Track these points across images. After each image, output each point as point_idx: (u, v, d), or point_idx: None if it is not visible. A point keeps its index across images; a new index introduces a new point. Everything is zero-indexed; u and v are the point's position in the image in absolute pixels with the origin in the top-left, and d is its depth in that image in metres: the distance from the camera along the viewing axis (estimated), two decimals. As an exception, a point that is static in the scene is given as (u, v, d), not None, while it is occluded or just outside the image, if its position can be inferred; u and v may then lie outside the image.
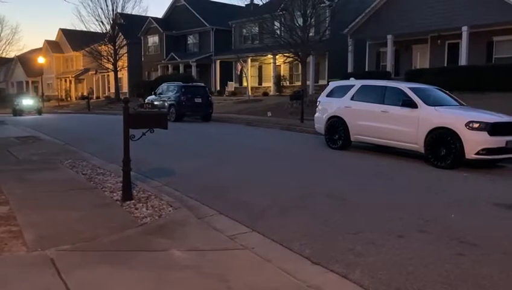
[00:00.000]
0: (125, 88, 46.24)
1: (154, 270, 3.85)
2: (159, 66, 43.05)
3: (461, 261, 4.27)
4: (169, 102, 21.04)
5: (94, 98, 48.83)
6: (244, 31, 37.32)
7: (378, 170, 9.10)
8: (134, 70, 44.98)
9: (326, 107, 12.31)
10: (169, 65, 42.12)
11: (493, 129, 8.96)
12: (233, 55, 34.80)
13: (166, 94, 21.91)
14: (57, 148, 11.14)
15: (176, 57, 40.42)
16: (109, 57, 40.55)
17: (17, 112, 32.60)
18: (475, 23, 20.14)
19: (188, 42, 42.61)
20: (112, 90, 46.03)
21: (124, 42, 41.56)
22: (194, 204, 5.96)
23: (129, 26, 42.40)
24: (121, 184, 6.12)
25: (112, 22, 40.23)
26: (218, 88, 37.49)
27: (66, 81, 58.08)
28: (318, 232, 5.02)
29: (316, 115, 12.79)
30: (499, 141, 8.99)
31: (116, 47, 40.22)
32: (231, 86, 37.21)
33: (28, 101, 34.37)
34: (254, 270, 3.94)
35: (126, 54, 42.49)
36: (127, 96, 37.63)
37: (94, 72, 50.75)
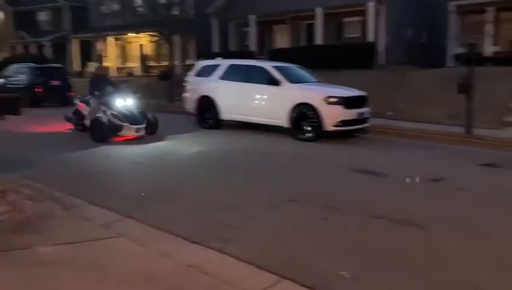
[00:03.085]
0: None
1: (18, 269, 3.51)
2: (6, 46, 38.36)
3: (328, 226, 4.67)
4: (21, 86, 18.94)
5: None
6: (103, 7, 35.00)
7: (248, 147, 9.41)
8: (-25, 51, 39.44)
9: (196, 87, 12.28)
10: (18, 45, 37.81)
11: (347, 103, 9.87)
12: (93, 34, 32.55)
13: (17, 77, 19.68)
14: None
15: (26, 36, 36.41)
16: None
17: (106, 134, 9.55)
18: (328, 5, 21.68)
19: (40, 19, 38.61)
20: None
21: (-40, 18, 36.12)
22: (59, 196, 5.49)
23: (-35, -1, 36.85)
24: (-31, 180, 5.40)
25: None
26: (77, 69, 34.86)
27: None
28: (195, 212, 5.04)
29: (186, 94, 12.69)
30: (353, 113, 9.95)
31: (-50, 23, 34.77)
32: (92, 66, 34.83)
33: (125, 102, 10.01)
34: (131, 257, 3.81)
35: (-37, 32, 36.98)
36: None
37: None
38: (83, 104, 10.48)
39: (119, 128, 9.52)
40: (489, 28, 19.07)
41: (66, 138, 10.36)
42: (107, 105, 9.67)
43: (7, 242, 4.03)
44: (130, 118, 9.60)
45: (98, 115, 9.61)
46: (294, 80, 10.74)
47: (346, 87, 10.84)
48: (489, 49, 19.75)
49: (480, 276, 3.54)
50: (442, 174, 6.93)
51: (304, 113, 9.95)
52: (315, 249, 4.03)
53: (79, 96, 11.31)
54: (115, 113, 9.54)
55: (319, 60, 17.98)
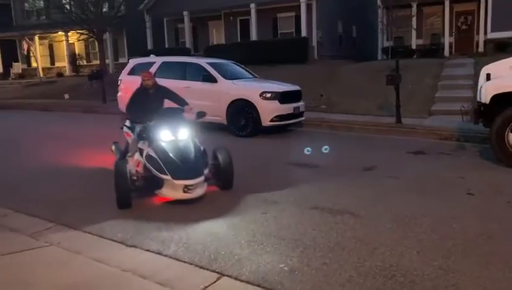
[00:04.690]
0: None
1: None
2: None
3: (265, 219, 4.71)
4: None
5: None
6: (27, 5, 33.16)
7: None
8: None
9: (129, 85, 11.89)
10: None
11: (282, 97, 10.01)
12: (17, 33, 30.70)
13: None
14: None
15: None
16: None
17: (127, 195, 5.13)
18: (261, 1, 21.88)
19: (-45, 17, 35.88)
20: None
21: None
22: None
23: None
24: None
25: None
26: (1, 71, 32.79)
27: None
28: (129, 215, 4.89)
29: (119, 94, 12.29)
30: (288, 108, 10.11)
31: None
32: (18, 67, 32.94)
33: (175, 134, 5.56)
34: (62, 266, 3.64)
35: None
36: None
37: None
38: (129, 131, 6.39)
39: (158, 182, 5.25)
40: (413, 22, 20.09)
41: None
42: (148, 139, 5.57)
43: None
44: (176, 166, 5.17)
45: (119, 157, 5.94)
46: (229, 76, 10.73)
47: (281, 82, 10.99)
48: (414, 42, 20.83)
49: (409, 261, 3.72)
50: (374, 163, 7.22)
51: (241, 110, 9.98)
52: (253, 244, 4.05)
53: (127, 119, 6.51)
54: (153, 155, 5.31)
55: (255, 56, 18.11)
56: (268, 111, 9.81)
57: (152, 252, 3.92)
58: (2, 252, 3.87)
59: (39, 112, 17.02)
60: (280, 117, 9.94)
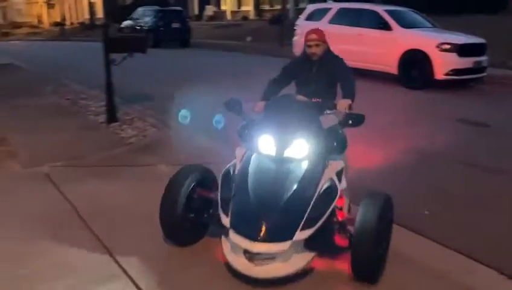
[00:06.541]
0: (100, 13, 44.52)
1: (141, 182, 4.27)
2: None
3: (417, 170, 4.78)
4: (146, 27, 20.63)
5: (68, 24, 46.99)
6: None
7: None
8: (108, -5, 43.00)
9: (304, 31, 12.33)
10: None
11: (462, 50, 9.31)
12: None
13: (143, 19, 21.43)
14: (37, 75, 11.15)
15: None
16: (80, -20, 38.59)
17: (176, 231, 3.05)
18: None
19: (163, -37, 40.59)
20: (86, 16, 44.32)
21: (95, -36, 39.40)
22: (177, 125, 6.24)
23: None
24: (105, 108, 6.38)
25: None
26: (196, 13, 36.46)
27: (36, 6, 55.35)
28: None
29: (295, 38, 12.86)
30: (467, 62, 9.38)
31: (87, -31, 38.18)
32: (210, 10, 36.17)
33: (279, 144, 2.80)
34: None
35: (98, -23, 40.47)
36: (103, 22, 36.29)
37: (66, -4, 48.38)
38: None
39: (221, 228, 2.73)
40: None
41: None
42: (246, 142, 3.16)
43: (134, 160, 4.85)
44: (245, 206, 2.64)
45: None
46: (406, 24, 10.31)
47: (463, 34, 10.16)
48: None
49: None
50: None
51: (414, 60, 9.60)
52: (402, 189, 4.21)
53: None
54: (230, 172, 3.05)
55: (440, 4, 16.75)
56: (444, 64, 9.26)
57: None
58: (189, 162, 4.78)
59: (222, 52, 18.78)
60: (457, 71, 9.30)
